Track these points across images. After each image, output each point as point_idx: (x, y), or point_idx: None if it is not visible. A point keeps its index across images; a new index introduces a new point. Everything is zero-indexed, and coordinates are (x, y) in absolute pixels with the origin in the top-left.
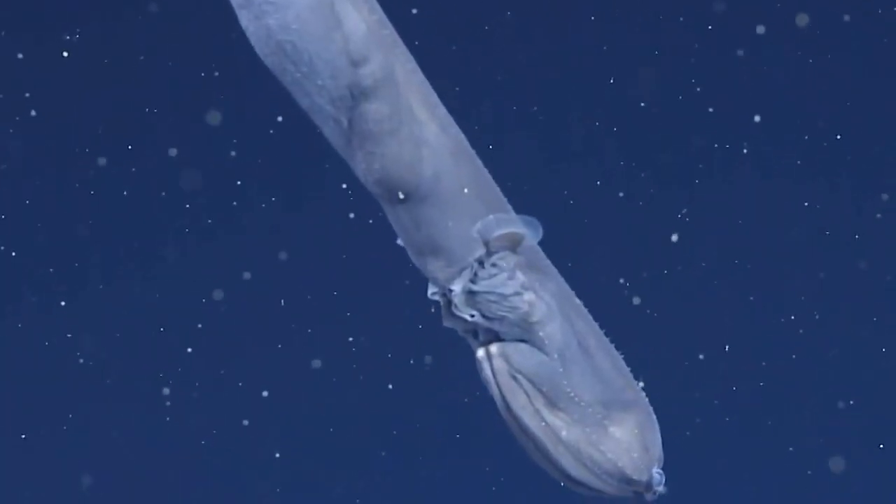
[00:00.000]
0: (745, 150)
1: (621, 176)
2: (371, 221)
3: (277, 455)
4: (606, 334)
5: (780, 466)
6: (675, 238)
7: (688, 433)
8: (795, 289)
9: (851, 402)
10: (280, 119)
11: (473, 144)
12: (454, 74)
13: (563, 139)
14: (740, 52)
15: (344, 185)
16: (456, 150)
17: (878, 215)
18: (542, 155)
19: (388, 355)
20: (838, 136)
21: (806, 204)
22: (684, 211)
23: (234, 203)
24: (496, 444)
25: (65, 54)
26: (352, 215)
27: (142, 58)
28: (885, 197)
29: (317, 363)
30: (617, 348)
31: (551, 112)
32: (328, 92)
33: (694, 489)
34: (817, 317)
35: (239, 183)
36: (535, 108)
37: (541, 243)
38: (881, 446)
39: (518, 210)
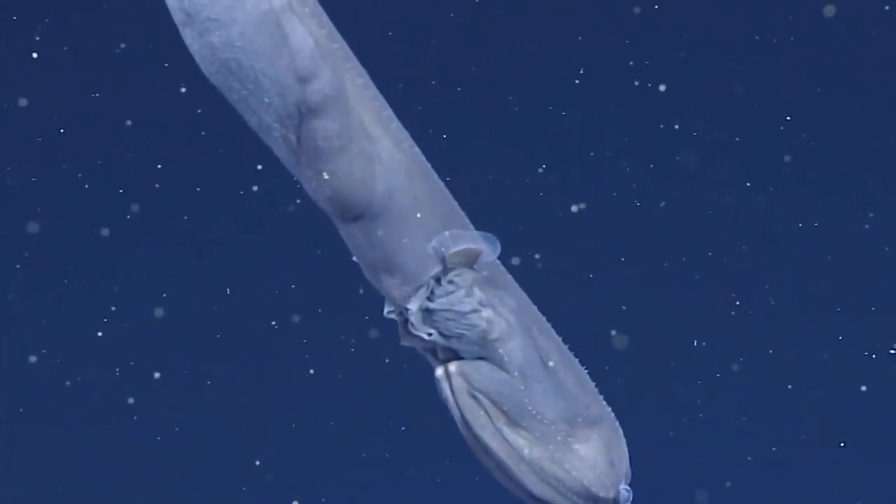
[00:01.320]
0: (725, 146)
1: (591, 188)
2: None
3: (259, 462)
4: (571, 349)
5: (759, 475)
6: (574, 209)
7: (670, 434)
8: (770, 294)
9: (831, 407)
10: None
11: (452, 148)
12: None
13: (538, 143)
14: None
15: None
16: (410, 165)
17: (857, 212)
18: (516, 159)
19: (381, 356)
20: (812, 132)
21: (788, 202)
22: (658, 224)
23: (222, 199)
24: None
25: (34, 55)
26: None
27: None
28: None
29: (309, 364)
30: (582, 363)
31: (530, 113)
32: (275, 110)
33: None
34: (795, 319)
35: (226, 180)
36: (515, 110)
37: (512, 253)
38: (842, 444)
39: (492, 216)
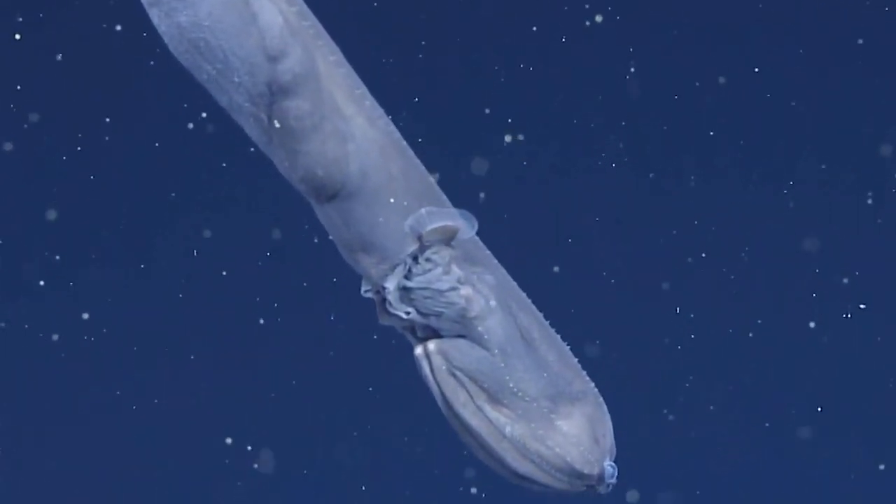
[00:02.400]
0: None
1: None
2: None
3: (240, 439)
4: (552, 325)
5: (748, 448)
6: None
7: (655, 409)
8: (758, 264)
9: (821, 380)
10: None
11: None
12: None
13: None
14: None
15: None
16: (384, 143)
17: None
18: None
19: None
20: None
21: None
22: (645, 200)
23: (212, 195)
24: None
25: (17, 37)
26: None
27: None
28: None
29: (295, 342)
30: (563, 339)
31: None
32: (246, 89)
33: (656, 479)
34: (782, 290)
35: (221, 170)
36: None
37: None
38: (819, 409)
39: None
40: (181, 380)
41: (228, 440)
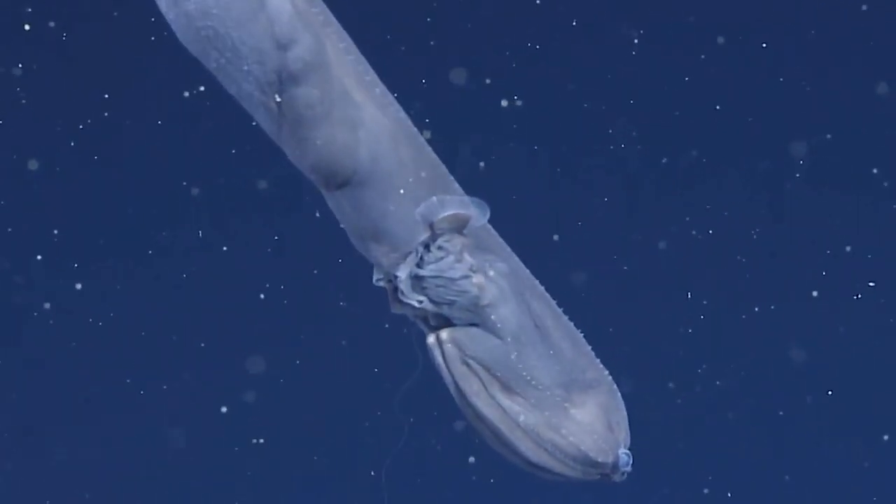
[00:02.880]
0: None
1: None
2: None
3: (253, 433)
4: (565, 312)
5: (761, 437)
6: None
7: (670, 396)
8: (769, 245)
9: (834, 363)
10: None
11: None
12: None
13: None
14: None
15: None
16: (394, 130)
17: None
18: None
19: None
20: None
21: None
22: (651, 174)
23: (220, 181)
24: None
25: (26, 27)
26: None
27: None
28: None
29: (306, 331)
30: (577, 327)
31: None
32: (255, 78)
33: (669, 466)
34: (785, 288)
35: (227, 170)
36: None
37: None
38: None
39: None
40: (190, 367)
41: (237, 428)
